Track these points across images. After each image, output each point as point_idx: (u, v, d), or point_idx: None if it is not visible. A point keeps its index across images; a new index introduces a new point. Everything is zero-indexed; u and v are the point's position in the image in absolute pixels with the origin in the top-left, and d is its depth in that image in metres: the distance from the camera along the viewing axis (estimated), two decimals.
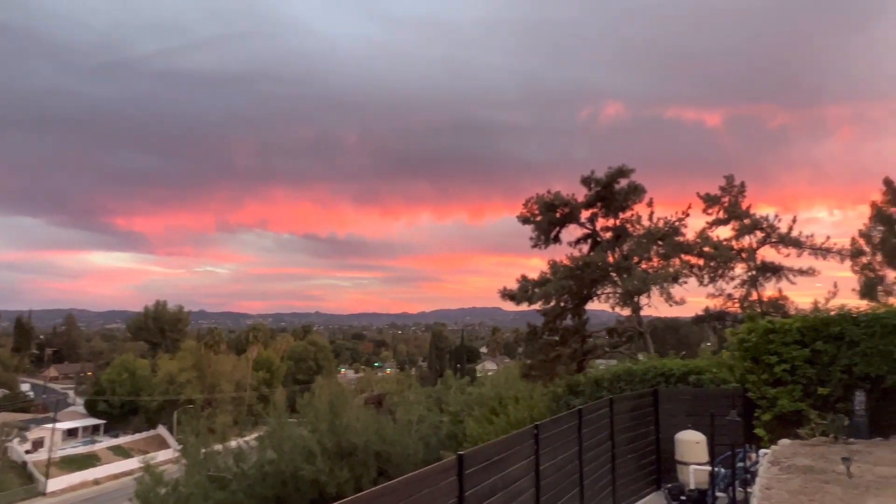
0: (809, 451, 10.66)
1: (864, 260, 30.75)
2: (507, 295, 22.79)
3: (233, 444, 27.33)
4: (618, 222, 23.84)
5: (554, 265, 22.60)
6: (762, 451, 11.62)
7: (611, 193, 23.43)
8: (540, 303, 22.33)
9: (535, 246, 24.06)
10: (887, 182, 30.63)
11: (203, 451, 24.79)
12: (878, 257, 30.46)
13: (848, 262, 30.31)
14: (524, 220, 24.09)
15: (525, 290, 22.31)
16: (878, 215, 30.50)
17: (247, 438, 33.00)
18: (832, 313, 13.85)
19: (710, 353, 25.48)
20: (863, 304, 27.87)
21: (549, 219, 23.57)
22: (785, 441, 11.79)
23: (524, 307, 23.29)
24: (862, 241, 30.87)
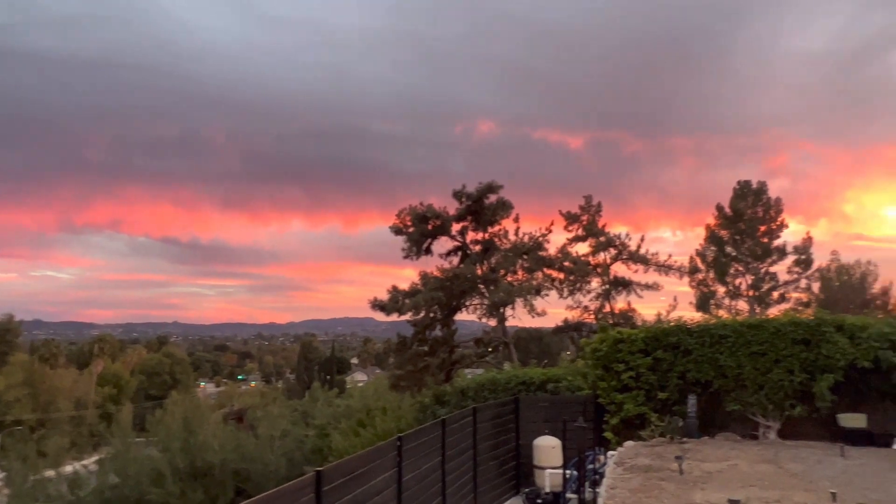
0: (649, 452, 11.60)
1: (700, 276, 34.44)
2: (378, 306, 22.72)
3: (68, 468, 24.49)
4: (486, 236, 24.71)
5: (425, 276, 22.91)
6: (610, 452, 12.49)
7: (481, 208, 24.24)
8: (410, 313, 22.50)
9: (406, 257, 24.27)
10: (719, 208, 34.59)
11: (31, 478, 21.96)
12: (711, 274, 34.24)
13: (686, 278, 33.85)
14: (397, 231, 24.22)
15: (396, 301, 22.37)
16: (712, 237, 34.34)
17: (85, 462, 29.75)
18: (672, 324, 15.29)
19: (568, 361, 27.07)
20: (698, 316, 31.12)
21: (421, 230, 23.89)
22: (629, 443, 12.76)
23: (397, 317, 23.38)
24: (698, 260, 34.58)
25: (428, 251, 24.68)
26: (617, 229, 31.08)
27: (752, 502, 7.76)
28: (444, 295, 22.47)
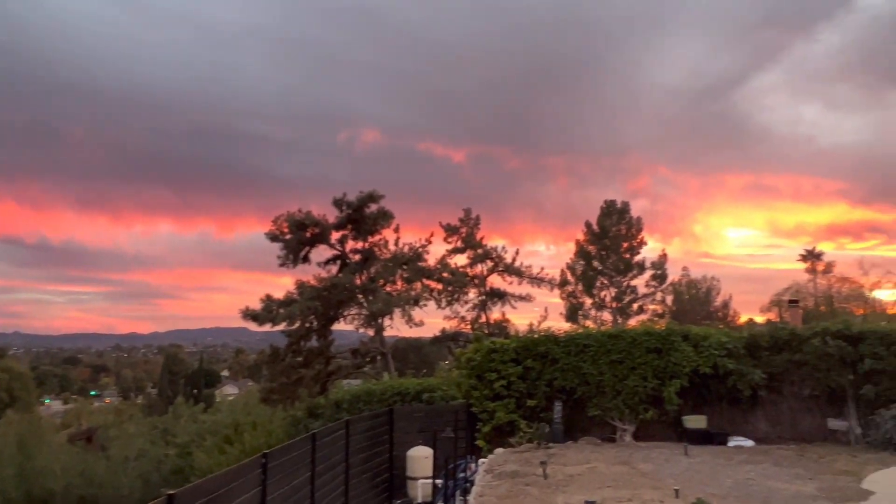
0: (517, 458, 12.01)
1: (570, 289, 36.48)
2: (250, 315, 21.71)
3: None
4: (366, 245, 24.50)
5: (301, 285, 22.24)
6: (481, 460, 12.77)
7: (361, 217, 24.00)
8: (285, 323, 21.71)
9: (282, 265, 23.44)
10: (588, 225, 36.90)
11: None
12: (580, 287, 36.38)
13: (557, 290, 35.69)
14: (273, 238, 23.33)
15: (269, 311, 21.49)
16: (581, 252, 36.54)
17: None
18: (541, 335, 16.00)
19: (445, 371, 27.47)
20: (567, 327, 32.86)
21: (298, 238, 23.20)
22: (499, 450, 13.13)
23: (271, 327, 22.44)
24: (568, 273, 36.62)
25: (306, 259, 24.00)
26: (495, 242, 32.19)
27: (607, 502, 8.24)
28: (321, 304, 21.93)
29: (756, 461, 10.91)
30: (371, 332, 24.49)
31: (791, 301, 25.03)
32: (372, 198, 23.83)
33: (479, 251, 30.54)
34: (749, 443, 13.01)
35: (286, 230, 23.24)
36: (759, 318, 38.07)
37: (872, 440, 12.32)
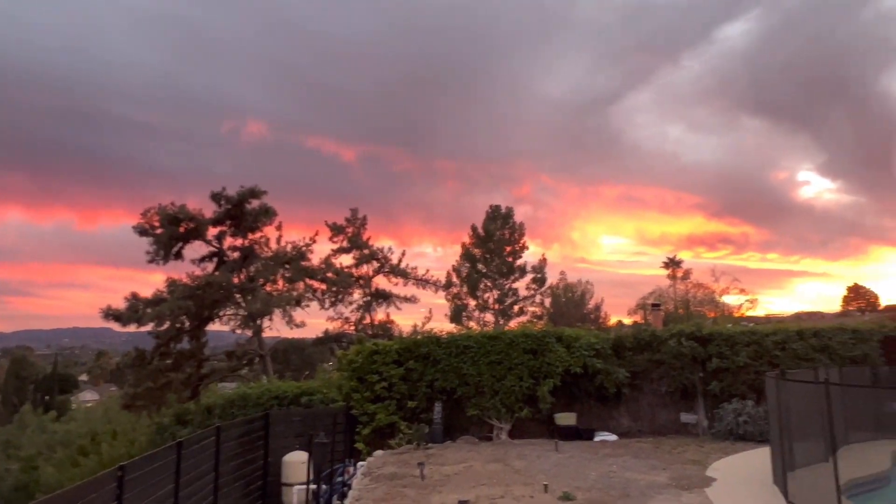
0: (396, 459, 12.01)
1: (455, 290, 37.17)
2: (112, 315, 19.96)
3: None
4: (246, 242, 23.40)
5: (172, 283, 20.80)
6: (360, 463, 12.63)
7: (241, 213, 22.90)
8: (152, 324, 20.19)
9: (152, 261, 21.78)
10: (474, 228, 37.82)
11: None
12: (465, 289, 37.18)
13: (442, 292, 36.21)
14: (142, 232, 21.63)
15: (135, 310, 19.89)
16: (466, 255, 37.37)
17: None
18: (423, 336, 16.15)
19: (328, 373, 26.95)
20: (451, 328, 33.43)
21: (171, 232, 21.68)
22: (379, 452, 13.07)
23: (137, 328, 20.74)
24: (454, 275, 37.31)
25: (179, 256, 22.47)
26: (383, 243, 32.09)
27: (480, 500, 8.44)
28: (193, 304, 20.60)
29: (618, 454, 11.68)
30: (249, 334, 23.44)
31: (654, 305, 27.16)
32: (254, 193, 22.80)
33: (366, 252, 30.30)
34: (613, 437, 13.92)
35: (157, 224, 21.64)
36: (627, 321, 40.98)
37: (717, 431, 13.64)
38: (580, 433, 13.92)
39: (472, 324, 35.55)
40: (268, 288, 22.76)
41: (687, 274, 42.34)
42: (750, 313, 39.97)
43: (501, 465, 10.96)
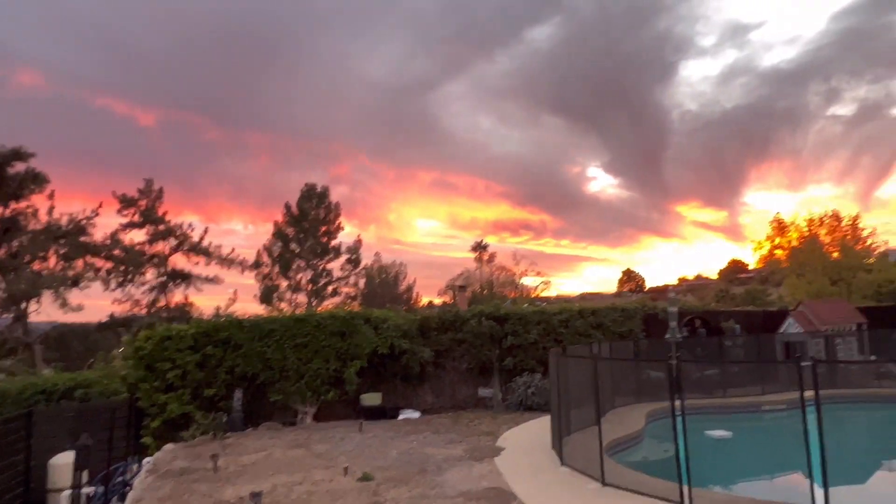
0: (189, 453, 11.14)
1: (265, 270, 35.50)
2: None
3: None
4: (8, 213, 19.97)
5: None
6: (146, 460, 11.50)
7: (2, 177, 19.47)
8: None
9: None
10: (287, 207, 36.36)
11: None
12: (276, 269, 35.69)
13: (252, 272, 34.38)
14: None
15: None
16: (279, 234, 35.84)
17: None
18: (224, 319, 15.15)
19: (111, 362, 24.23)
20: (260, 309, 31.93)
21: None
22: (168, 446, 12.01)
23: None
24: (265, 254, 35.60)
25: None
26: (185, 218, 29.43)
27: (278, 489, 8.15)
28: None
29: (419, 430, 12.09)
30: (10, 318, 20.11)
31: (460, 286, 28.60)
32: (18, 155, 19.48)
33: (161, 227, 27.54)
34: (416, 414, 14.40)
35: None
36: (437, 301, 42.71)
37: (510, 403, 14.79)
38: (385, 412, 14.17)
39: (283, 305, 34.34)
40: (36, 266, 19.67)
41: (492, 257, 45.31)
42: (545, 294, 44.12)
43: (303, 450, 10.73)
